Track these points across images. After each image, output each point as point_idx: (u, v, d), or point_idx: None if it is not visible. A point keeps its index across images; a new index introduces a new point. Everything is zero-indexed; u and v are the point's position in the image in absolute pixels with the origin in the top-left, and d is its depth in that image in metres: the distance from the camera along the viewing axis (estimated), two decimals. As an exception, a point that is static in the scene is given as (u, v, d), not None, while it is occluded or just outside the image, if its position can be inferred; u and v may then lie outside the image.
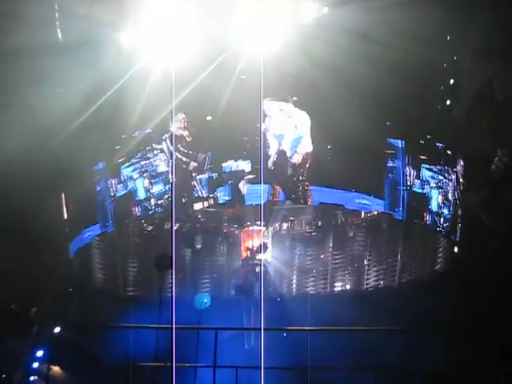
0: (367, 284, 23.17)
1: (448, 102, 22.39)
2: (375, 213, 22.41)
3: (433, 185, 22.13)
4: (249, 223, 22.12)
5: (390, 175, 21.51)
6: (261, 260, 21.38)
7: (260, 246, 21.49)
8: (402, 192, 21.52)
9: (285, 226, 22.96)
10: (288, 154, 21.75)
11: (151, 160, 22.00)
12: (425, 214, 22.09)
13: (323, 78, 19.25)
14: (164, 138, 21.92)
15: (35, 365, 19.35)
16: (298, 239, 23.07)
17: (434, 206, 22.13)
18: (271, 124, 21.46)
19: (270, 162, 21.61)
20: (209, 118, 21.54)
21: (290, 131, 21.55)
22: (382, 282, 23.12)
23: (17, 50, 17.89)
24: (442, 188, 22.30)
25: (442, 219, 22.28)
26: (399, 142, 21.50)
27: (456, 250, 22.66)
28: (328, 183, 21.61)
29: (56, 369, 19.42)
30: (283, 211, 22.43)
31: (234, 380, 13.01)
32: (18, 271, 19.39)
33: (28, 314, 18.29)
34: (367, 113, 20.19)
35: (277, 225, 22.84)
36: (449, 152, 22.42)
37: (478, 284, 19.23)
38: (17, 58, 18.12)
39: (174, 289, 13.62)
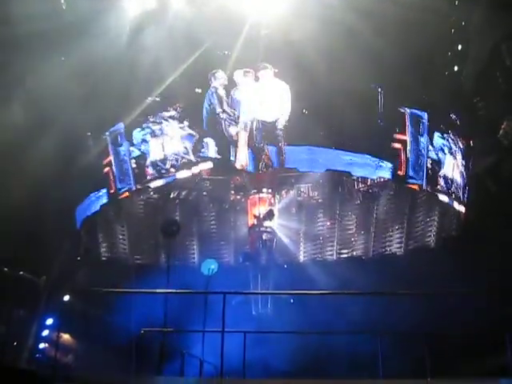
0: (374, 251, 23.24)
1: (456, 68, 22.18)
2: (382, 179, 22.29)
3: (441, 151, 22.01)
4: (255, 191, 22.11)
5: (399, 141, 21.32)
6: (267, 227, 21.42)
7: (267, 213, 21.50)
8: (411, 158, 21.39)
9: (291, 193, 22.98)
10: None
11: (163, 125, 21.79)
12: (432, 180, 21.98)
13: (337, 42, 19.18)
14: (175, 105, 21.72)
15: (45, 332, 19.59)
16: (304, 206, 23.11)
17: (441, 173, 22.03)
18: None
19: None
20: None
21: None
22: (388, 249, 23.20)
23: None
24: (450, 154, 22.22)
25: (449, 186, 22.23)
26: (406, 109, 21.35)
27: (463, 216, 22.65)
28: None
29: (66, 336, 19.63)
30: (290, 178, 22.39)
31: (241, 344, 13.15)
32: (28, 240, 19.49)
33: (38, 282, 18.41)
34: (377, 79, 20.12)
35: (283, 192, 22.87)
36: (456, 118, 22.28)
37: (484, 249, 19.26)
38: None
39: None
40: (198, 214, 23.16)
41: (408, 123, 21.34)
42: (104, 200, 22.56)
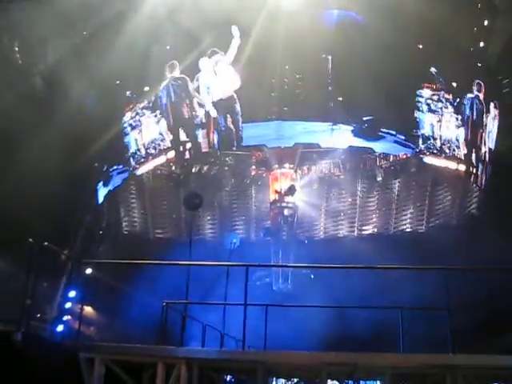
0: (395, 228, 23.19)
1: (481, 44, 21.79)
2: (404, 156, 22.12)
3: (463, 128, 21.69)
4: (277, 166, 22.07)
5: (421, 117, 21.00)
6: (289, 202, 21.42)
7: (288, 188, 21.47)
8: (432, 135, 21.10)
9: (313, 168, 22.93)
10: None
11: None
12: (454, 157, 21.72)
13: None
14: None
15: (68, 305, 19.80)
16: (326, 182, 23.07)
17: (462, 150, 21.75)
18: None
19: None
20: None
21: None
22: (409, 226, 23.12)
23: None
24: (472, 132, 21.91)
25: (471, 163, 21.98)
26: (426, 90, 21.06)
27: (484, 193, 22.42)
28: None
29: (88, 309, 19.84)
30: (311, 154, 22.32)
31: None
32: (51, 214, 19.63)
33: (62, 254, 18.55)
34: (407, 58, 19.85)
35: (305, 167, 22.82)
36: (481, 95, 21.93)
37: (505, 227, 19.07)
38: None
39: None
40: (219, 189, 23.23)
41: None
42: (125, 174, 22.66)
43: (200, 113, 20.39)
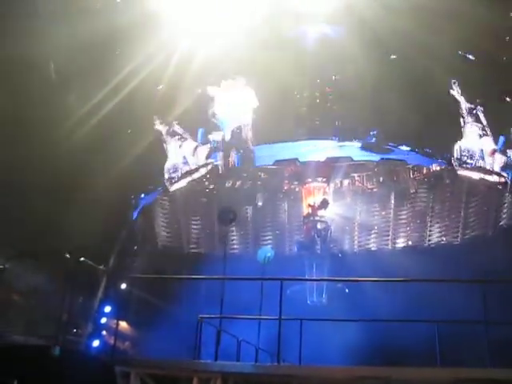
0: (430, 240, 22.98)
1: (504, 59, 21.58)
2: (438, 168, 21.92)
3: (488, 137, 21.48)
4: (309, 180, 22.06)
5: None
6: (322, 216, 21.37)
7: (321, 202, 21.43)
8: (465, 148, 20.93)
9: (346, 182, 22.87)
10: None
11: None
12: (488, 169, 21.49)
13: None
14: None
15: (103, 320, 20.00)
16: (359, 195, 22.98)
17: (489, 160, 21.47)
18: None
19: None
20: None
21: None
22: (444, 238, 22.89)
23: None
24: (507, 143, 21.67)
25: (506, 174, 21.71)
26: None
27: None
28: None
29: (123, 324, 20.00)
30: (344, 167, 22.25)
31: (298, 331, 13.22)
32: (87, 229, 19.89)
33: (97, 270, 18.79)
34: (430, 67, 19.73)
35: (338, 181, 22.76)
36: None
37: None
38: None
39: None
40: (252, 203, 23.29)
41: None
42: (159, 191, 22.86)
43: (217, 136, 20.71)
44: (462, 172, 19.93)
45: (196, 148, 20.93)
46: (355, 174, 22.89)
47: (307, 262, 21.30)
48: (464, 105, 19.75)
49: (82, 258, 11.20)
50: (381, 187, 22.98)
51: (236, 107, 20.62)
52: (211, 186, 23.08)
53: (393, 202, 23.04)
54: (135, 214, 23.44)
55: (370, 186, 23.16)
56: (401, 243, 23.28)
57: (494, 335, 10.30)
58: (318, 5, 19.14)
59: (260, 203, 23.23)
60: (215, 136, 20.79)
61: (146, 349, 20.34)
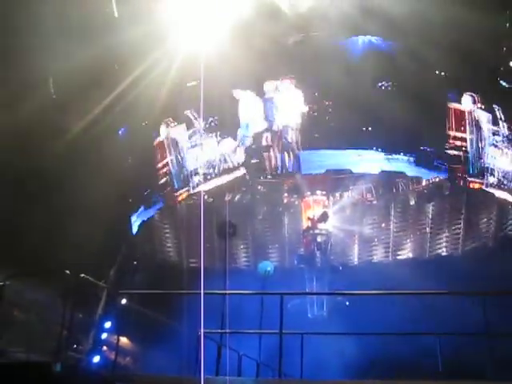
0: (430, 252, 22.93)
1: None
2: (437, 179, 21.96)
3: (498, 148, 21.60)
4: (309, 193, 22.07)
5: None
6: (322, 229, 21.36)
7: (321, 215, 21.43)
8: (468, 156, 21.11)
9: (345, 194, 22.86)
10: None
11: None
12: (488, 178, 21.58)
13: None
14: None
15: (104, 336, 19.92)
16: (359, 208, 22.97)
17: (497, 171, 21.59)
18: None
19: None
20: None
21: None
22: (444, 250, 22.85)
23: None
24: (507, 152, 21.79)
25: (506, 183, 21.78)
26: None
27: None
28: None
29: (123, 339, 19.91)
30: (343, 180, 22.26)
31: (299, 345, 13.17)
32: (87, 245, 19.89)
33: (97, 285, 18.74)
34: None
35: (337, 194, 22.75)
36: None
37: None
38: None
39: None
40: (252, 217, 23.28)
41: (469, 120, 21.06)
42: (159, 205, 22.89)
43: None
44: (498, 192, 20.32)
45: (236, 147, 21.16)
46: (355, 187, 22.89)
47: (307, 275, 21.27)
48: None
49: (82, 274, 11.14)
50: (380, 199, 22.99)
51: (284, 109, 20.90)
52: (210, 200, 23.12)
53: (392, 213, 23.03)
54: (135, 230, 23.48)
55: (369, 198, 23.16)
56: (401, 255, 23.22)
57: (495, 347, 10.26)
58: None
59: (260, 217, 23.25)
60: (257, 137, 21.05)
61: (147, 364, 20.28)
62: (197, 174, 22.15)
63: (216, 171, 21.90)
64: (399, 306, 17.47)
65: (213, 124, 22.07)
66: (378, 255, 23.27)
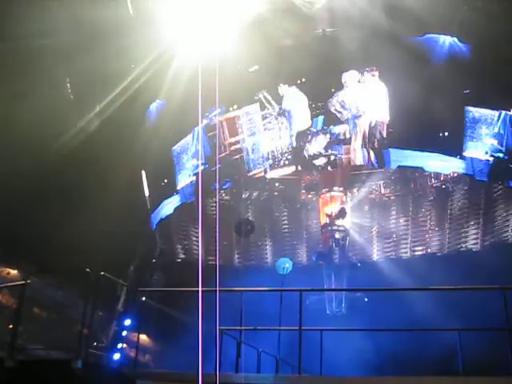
0: (449, 247, 22.80)
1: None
2: (455, 175, 21.83)
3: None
4: (326, 189, 22.04)
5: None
6: (340, 226, 21.32)
7: (339, 211, 21.39)
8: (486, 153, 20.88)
9: (363, 190, 22.80)
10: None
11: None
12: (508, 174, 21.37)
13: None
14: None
15: (124, 333, 20.05)
16: (376, 204, 22.92)
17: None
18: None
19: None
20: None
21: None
22: (464, 245, 22.70)
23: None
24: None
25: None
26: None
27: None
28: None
29: (143, 337, 20.04)
30: (361, 176, 22.21)
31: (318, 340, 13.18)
32: (105, 243, 20.03)
33: (117, 283, 18.87)
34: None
35: (355, 190, 22.71)
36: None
37: None
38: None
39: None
40: (269, 214, 23.30)
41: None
42: (177, 203, 22.95)
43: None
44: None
45: (313, 135, 21.11)
46: (372, 183, 22.83)
47: (326, 272, 21.25)
48: None
49: (102, 273, 11.24)
50: (398, 195, 22.93)
51: (370, 102, 20.86)
52: (228, 197, 23.15)
53: (411, 209, 22.94)
54: (154, 228, 23.60)
55: (387, 194, 23.10)
56: (420, 251, 23.11)
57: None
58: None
59: (277, 214, 23.27)
60: (339, 128, 21.01)
61: (167, 361, 20.38)
62: (269, 158, 21.94)
63: (288, 158, 21.70)
64: (418, 301, 17.43)
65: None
66: (397, 251, 23.17)
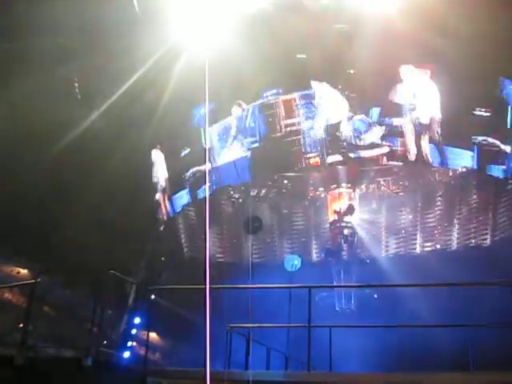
0: (458, 243, 22.72)
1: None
2: (464, 170, 21.71)
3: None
4: (335, 185, 22.01)
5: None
6: (348, 222, 21.29)
7: (347, 208, 21.37)
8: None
9: (371, 187, 22.75)
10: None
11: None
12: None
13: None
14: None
15: (133, 331, 20.11)
16: (385, 200, 22.86)
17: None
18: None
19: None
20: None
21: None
22: (473, 241, 22.62)
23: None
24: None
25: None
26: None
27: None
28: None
29: (153, 335, 20.06)
30: (369, 172, 22.14)
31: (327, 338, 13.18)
32: (114, 242, 20.07)
33: (127, 282, 18.93)
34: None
35: (363, 186, 22.65)
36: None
37: None
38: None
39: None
40: (278, 211, 23.29)
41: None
42: (186, 200, 22.97)
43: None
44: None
45: (371, 125, 20.98)
46: (381, 179, 22.75)
47: (335, 269, 21.24)
48: None
49: (112, 271, 11.29)
50: (406, 191, 22.85)
51: (425, 97, 20.74)
52: (236, 195, 23.14)
53: (419, 205, 22.87)
54: (162, 226, 23.61)
55: (395, 190, 23.02)
56: (429, 247, 23.04)
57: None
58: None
59: (285, 211, 23.26)
60: (396, 121, 20.87)
61: (176, 359, 20.42)
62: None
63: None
64: (428, 297, 17.40)
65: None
66: (406, 247, 23.12)
